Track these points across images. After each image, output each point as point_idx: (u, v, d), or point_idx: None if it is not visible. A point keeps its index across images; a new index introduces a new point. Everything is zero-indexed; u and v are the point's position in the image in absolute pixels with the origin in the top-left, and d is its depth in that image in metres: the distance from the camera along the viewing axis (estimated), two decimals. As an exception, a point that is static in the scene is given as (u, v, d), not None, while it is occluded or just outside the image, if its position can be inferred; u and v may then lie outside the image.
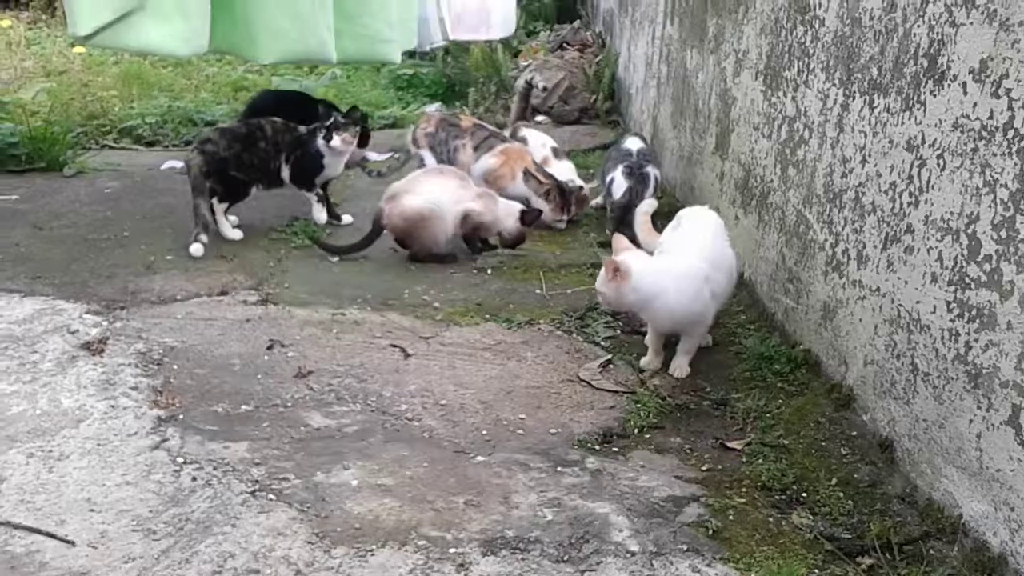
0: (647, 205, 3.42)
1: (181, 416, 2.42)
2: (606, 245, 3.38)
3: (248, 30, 3.66)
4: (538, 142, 4.53)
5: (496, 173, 4.24)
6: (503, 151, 4.33)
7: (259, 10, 3.62)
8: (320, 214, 4.12)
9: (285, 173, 3.99)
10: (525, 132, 4.61)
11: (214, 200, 3.77)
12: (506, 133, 4.75)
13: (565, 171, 4.42)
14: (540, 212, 4.00)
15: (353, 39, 4.02)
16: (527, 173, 4.20)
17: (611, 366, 2.84)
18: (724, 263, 2.80)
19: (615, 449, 2.36)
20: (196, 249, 3.59)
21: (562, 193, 4.19)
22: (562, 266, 3.71)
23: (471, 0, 4.95)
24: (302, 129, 4.03)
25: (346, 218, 4.17)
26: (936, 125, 2.08)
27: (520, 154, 4.32)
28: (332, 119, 3.93)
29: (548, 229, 4.19)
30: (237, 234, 3.85)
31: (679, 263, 2.71)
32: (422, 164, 4.39)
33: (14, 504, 2.01)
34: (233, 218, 3.91)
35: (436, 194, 3.62)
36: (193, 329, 2.95)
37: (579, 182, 4.36)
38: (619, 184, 4.03)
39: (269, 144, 3.90)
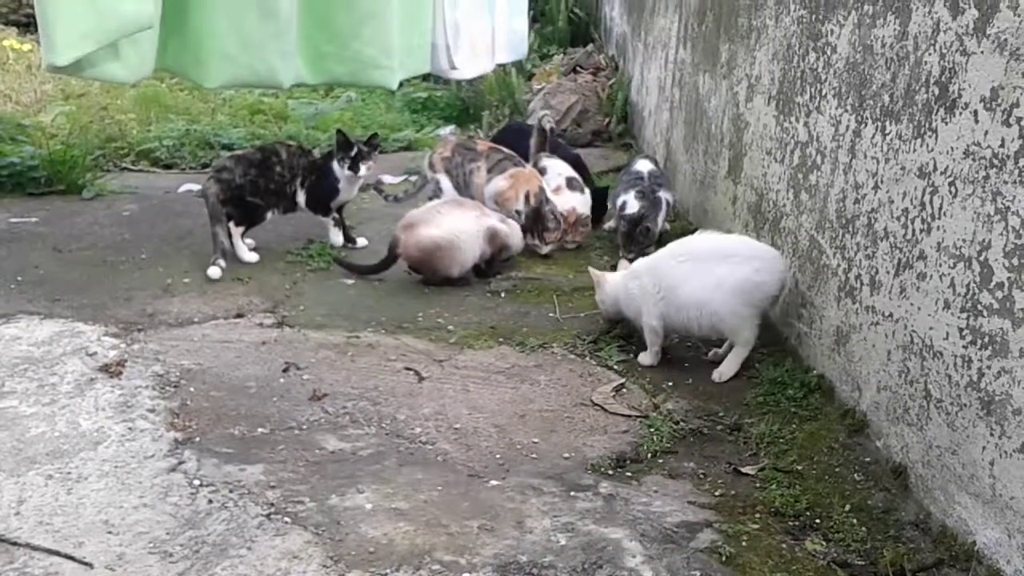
0: None
1: (198, 439, 2.44)
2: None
3: (196, 53, 3.70)
4: (555, 171, 4.52)
5: (504, 195, 4.26)
6: (512, 174, 4.35)
7: (208, 35, 3.65)
8: (336, 237, 4.15)
9: (300, 198, 4.04)
10: (545, 162, 4.61)
11: (231, 224, 3.82)
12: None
13: (573, 201, 4.37)
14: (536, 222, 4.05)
15: (340, 62, 4.06)
16: (528, 196, 4.22)
17: (624, 390, 2.85)
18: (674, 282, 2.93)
19: (628, 474, 2.37)
20: (214, 272, 3.63)
21: (536, 219, 4.18)
22: (575, 289, 3.72)
23: (479, 30, 4.97)
24: (316, 153, 4.08)
25: (361, 241, 4.20)
26: (948, 152, 2.09)
27: (528, 177, 4.33)
28: (357, 149, 3.97)
29: (563, 251, 4.22)
30: (254, 257, 3.89)
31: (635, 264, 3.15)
32: (438, 188, 4.42)
33: (33, 525, 2.04)
34: (250, 241, 3.95)
35: (454, 226, 3.65)
36: (210, 351, 2.98)
37: (582, 211, 4.34)
38: (631, 205, 4.07)
39: (284, 168, 3.95)
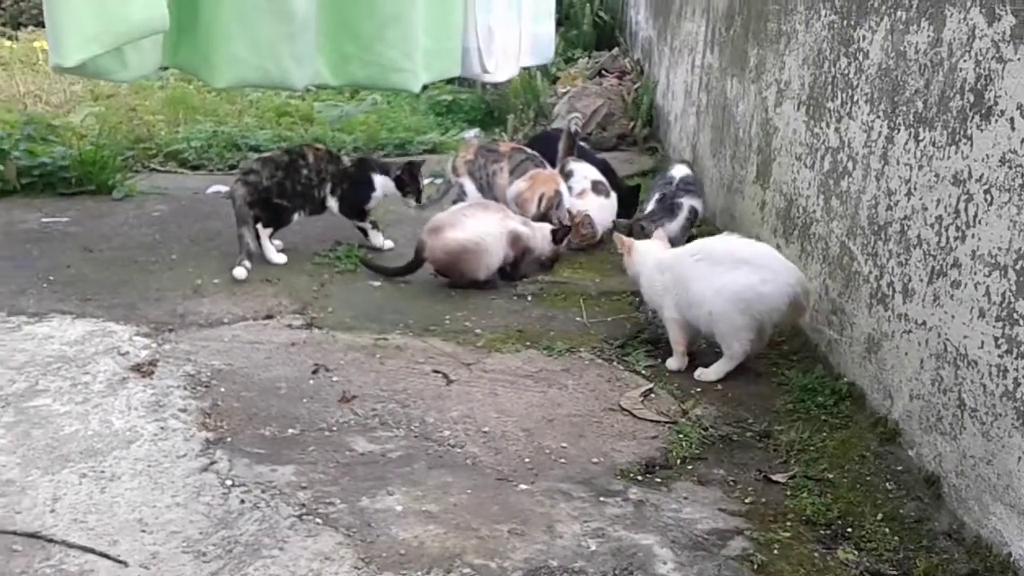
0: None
1: (229, 439, 2.46)
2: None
3: (206, 53, 3.72)
4: (581, 174, 4.50)
5: (523, 197, 4.27)
6: (532, 176, 4.35)
7: (218, 35, 3.67)
8: (377, 239, 4.21)
9: (332, 203, 4.07)
10: (572, 166, 4.59)
11: (258, 226, 3.85)
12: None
13: (589, 205, 4.34)
14: (569, 228, 4.02)
15: (363, 65, 4.08)
16: (541, 198, 4.22)
17: (652, 395, 2.85)
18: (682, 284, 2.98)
19: (658, 480, 2.36)
20: (239, 272, 3.66)
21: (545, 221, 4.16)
22: (602, 293, 3.72)
23: (508, 34, 4.98)
24: (346, 160, 4.11)
25: (387, 243, 4.22)
26: (983, 160, 2.08)
27: (546, 179, 4.32)
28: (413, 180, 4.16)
29: (589, 255, 4.22)
30: (281, 258, 3.92)
31: (658, 251, 3.18)
32: (461, 192, 4.43)
33: (68, 523, 2.06)
34: (278, 242, 3.97)
35: (479, 228, 3.66)
36: (240, 352, 3.01)
37: (597, 215, 4.31)
38: (650, 207, 4.13)
39: (312, 172, 3.97)
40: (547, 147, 4.79)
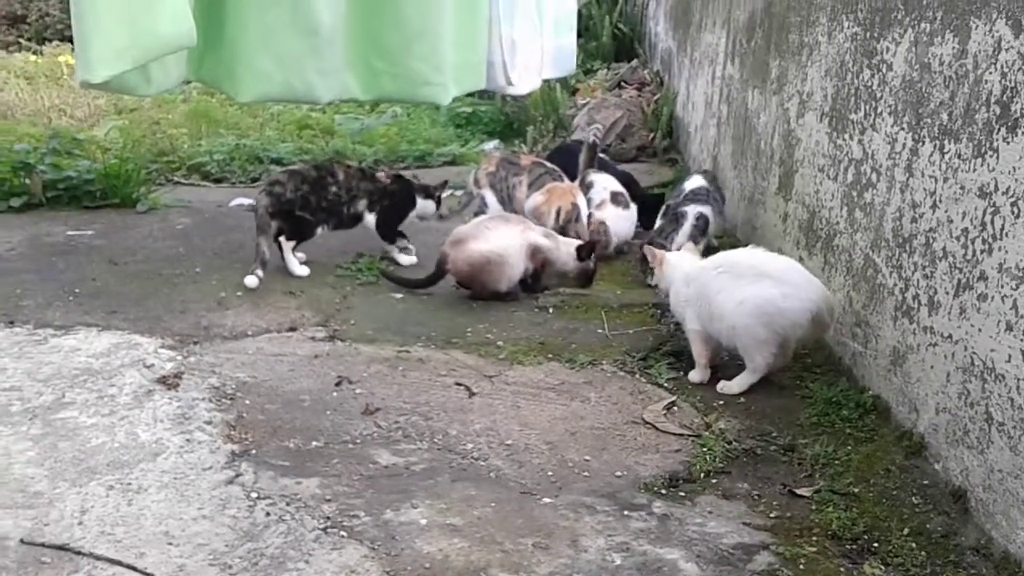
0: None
1: (254, 451, 2.48)
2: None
3: (231, 67, 3.72)
4: (601, 185, 4.52)
5: (540, 210, 4.28)
6: (549, 189, 4.36)
7: (242, 50, 3.67)
8: (407, 258, 4.23)
9: (369, 219, 4.13)
10: (592, 177, 4.61)
11: (281, 238, 3.88)
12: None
13: (606, 215, 4.38)
14: (594, 244, 4.01)
15: (392, 79, 4.09)
16: (559, 212, 4.23)
17: (675, 408, 2.84)
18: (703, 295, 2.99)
19: (682, 493, 2.36)
20: (251, 281, 3.69)
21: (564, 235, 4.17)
22: (624, 306, 3.72)
23: (531, 47, 5.00)
24: (383, 178, 4.20)
25: (411, 259, 4.23)
26: (1010, 172, 2.07)
27: (563, 192, 4.33)
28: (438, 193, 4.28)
29: (610, 267, 4.22)
30: (304, 271, 3.94)
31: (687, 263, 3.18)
32: (483, 204, 4.45)
33: (95, 535, 2.08)
34: (300, 255, 4.00)
35: (502, 240, 3.67)
36: (264, 364, 3.02)
37: (613, 225, 4.37)
38: (657, 223, 4.18)
39: (341, 189, 4.02)
40: (568, 159, 4.81)
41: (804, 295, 2.82)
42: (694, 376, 3.03)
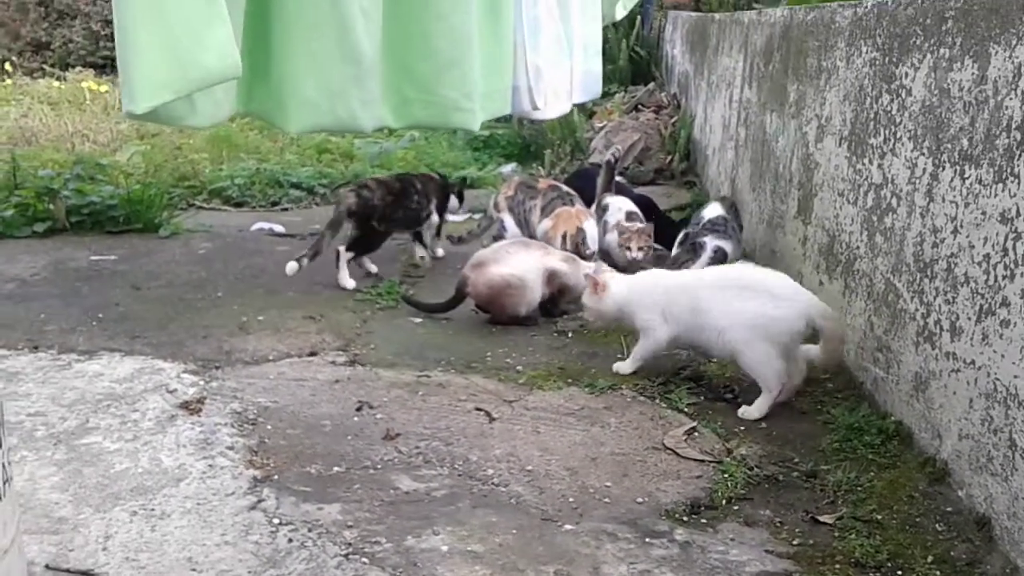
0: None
1: (276, 476, 2.49)
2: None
3: (280, 99, 3.75)
4: (616, 206, 4.56)
5: (548, 236, 4.31)
6: (557, 214, 4.39)
7: (290, 79, 3.70)
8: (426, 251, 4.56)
9: (435, 220, 4.48)
10: (608, 200, 4.64)
11: (341, 247, 4.10)
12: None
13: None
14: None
15: (424, 107, 4.14)
16: (565, 237, 4.25)
17: (696, 434, 2.83)
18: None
19: (703, 520, 2.35)
20: (291, 267, 3.91)
21: None
22: (643, 330, 3.71)
23: (559, 72, 5.03)
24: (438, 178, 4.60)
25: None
26: (1032, 198, 2.06)
27: (569, 217, 4.35)
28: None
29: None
30: (351, 283, 4.12)
31: (642, 275, 3.33)
32: (502, 227, 4.47)
33: (119, 561, 2.09)
34: (373, 267, 4.31)
35: (522, 265, 3.68)
36: (285, 389, 3.04)
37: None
38: (674, 251, 4.20)
39: (421, 196, 4.32)
40: (586, 183, 4.83)
41: (794, 302, 2.91)
42: (622, 367, 3.24)
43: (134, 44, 2.97)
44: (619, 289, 3.25)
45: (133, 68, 3.01)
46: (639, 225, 4.34)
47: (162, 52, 3.02)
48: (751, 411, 2.94)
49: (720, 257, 4.02)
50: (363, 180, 4.38)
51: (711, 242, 4.05)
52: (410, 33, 3.95)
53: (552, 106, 5.05)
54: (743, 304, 2.90)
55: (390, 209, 4.13)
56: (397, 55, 3.98)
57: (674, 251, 4.19)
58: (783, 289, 2.95)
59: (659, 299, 3.15)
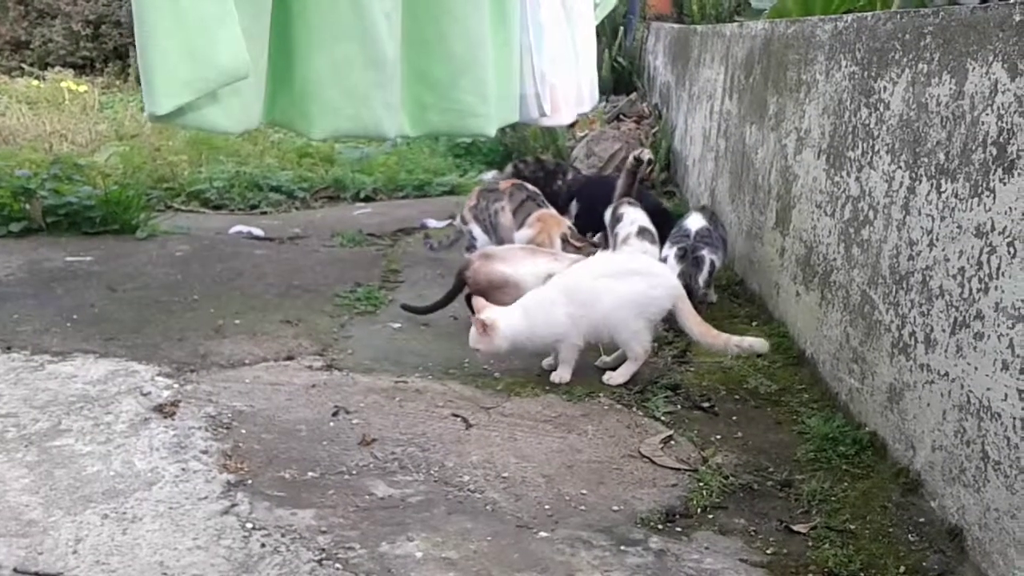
0: None
1: (250, 481, 2.47)
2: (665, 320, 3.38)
3: (303, 105, 3.75)
4: (629, 219, 4.35)
5: (535, 241, 4.24)
6: (538, 218, 4.31)
7: (314, 86, 3.70)
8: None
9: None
10: (623, 210, 4.38)
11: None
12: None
13: (641, 253, 4.27)
14: None
15: (440, 113, 4.12)
16: (565, 239, 4.18)
17: (672, 442, 2.84)
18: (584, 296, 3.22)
19: (678, 529, 2.35)
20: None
21: None
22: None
23: (566, 81, 5.03)
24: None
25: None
26: (1006, 213, 2.08)
27: (556, 221, 4.30)
28: None
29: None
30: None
31: (528, 297, 3.33)
32: (472, 239, 4.41)
33: (89, 565, 2.06)
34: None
35: (525, 269, 3.66)
36: (261, 394, 3.02)
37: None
38: (671, 267, 3.87)
39: (564, 185, 4.64)
40: (603, 190, 4.73)
41: (668, 283, 3.27)
42: (562, 376, 3.28)
43: (156, 46, 3.00)
44: (510, 321, 3.19)
45: (155, 69, 3.03)
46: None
47: (181, 52, 3.04)
48: (616, 377, 3.25)
49: (711, 271, 3.97)
50: (523, 158, 4.87)
51: (707, 256, 3.97)
52: (427, 36, 3.95)
53: (562, 113, 5.05)
54: (628, 287, 3.18)
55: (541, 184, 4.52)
56: (415, 59, 3.98)
57: (674, 264, 3.94)
58: (659, 271, 3.34)
59: (561, 305, 3.21)
